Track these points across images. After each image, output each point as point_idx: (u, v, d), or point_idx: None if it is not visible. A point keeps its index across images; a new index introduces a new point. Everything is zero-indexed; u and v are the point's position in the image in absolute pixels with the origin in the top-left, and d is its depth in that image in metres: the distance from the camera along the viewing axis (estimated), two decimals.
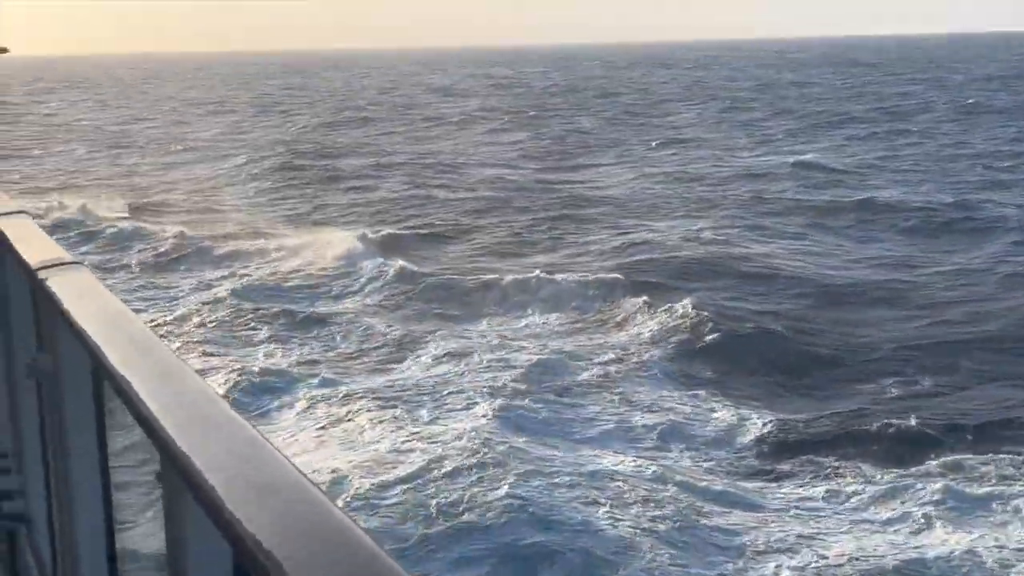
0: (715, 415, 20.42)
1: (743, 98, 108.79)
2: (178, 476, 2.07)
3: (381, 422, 19.40)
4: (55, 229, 36.67)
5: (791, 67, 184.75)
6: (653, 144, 66.78)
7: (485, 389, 21.10)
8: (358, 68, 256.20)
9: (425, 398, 20.93)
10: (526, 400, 20.63)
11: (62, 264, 3.95)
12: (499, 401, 20.29)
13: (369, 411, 20.03)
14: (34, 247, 4.39)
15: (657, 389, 21.94)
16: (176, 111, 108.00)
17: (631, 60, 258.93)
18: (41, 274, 3.86)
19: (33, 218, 5.37)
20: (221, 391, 20.69)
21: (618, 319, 27.15)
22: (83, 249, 36.12)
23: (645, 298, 27.84)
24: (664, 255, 33.72)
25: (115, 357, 2.76)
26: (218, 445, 2.08)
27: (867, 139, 67.75)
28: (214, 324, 27.07)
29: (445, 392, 21.23)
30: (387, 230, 38.81)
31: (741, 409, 20.73)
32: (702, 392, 21.79)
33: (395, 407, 20.23)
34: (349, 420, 19.85)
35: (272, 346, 25.07)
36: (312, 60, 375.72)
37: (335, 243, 34.85)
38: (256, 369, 23.03)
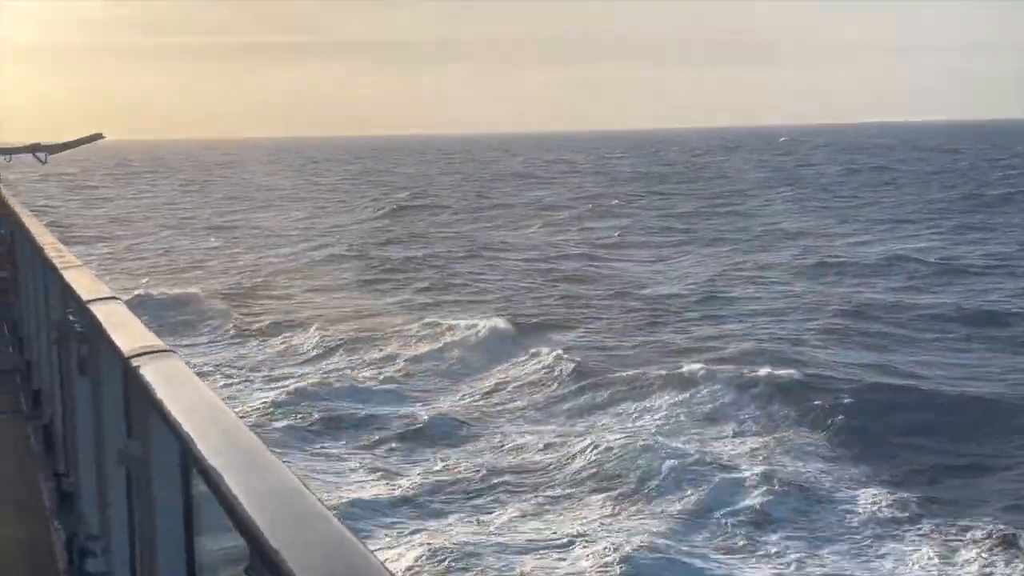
0: None
1: (833, 183, 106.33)
2: (267, 571, 2.06)
3: None
4: (147, 311, 36.93)
5: (866, 151, 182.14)
6: (758, 231, 65.21)
7: None
8: (430, 152, 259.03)
9: None
10: None
11: (154, 352, 3.98)
12: None
13: None
14: (127, 334, 4.43)
15: None
16: (256, 196, 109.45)
17: (707, 145, 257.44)
18: (134, 361, 3.90)
19: (126, 304, 5.47)
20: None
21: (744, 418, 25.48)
22: (184, 338, 35.68)
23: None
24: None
25: (205, 447, 2.77)
26: (307, 541, 2.07)
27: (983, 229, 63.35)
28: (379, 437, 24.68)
29: None
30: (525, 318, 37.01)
31: None
32: None
33: None
34: None
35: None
36: (379, 145, 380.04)
37: (479, 329, 33.55)
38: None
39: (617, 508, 19.94)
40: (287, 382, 28.99)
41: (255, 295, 44.02)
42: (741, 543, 18.35)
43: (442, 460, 22.67)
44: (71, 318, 5.96)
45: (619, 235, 65.03)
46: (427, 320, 35.98)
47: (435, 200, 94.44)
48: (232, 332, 36.65)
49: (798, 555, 17.80)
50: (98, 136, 21.95)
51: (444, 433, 24.57)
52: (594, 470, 21.61)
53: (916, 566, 17.59)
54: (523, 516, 19.58)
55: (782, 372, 27.84)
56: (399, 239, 63.85)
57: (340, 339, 34.10)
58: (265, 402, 26.87)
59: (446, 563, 17.04)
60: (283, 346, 34.27)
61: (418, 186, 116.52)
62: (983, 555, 17.86)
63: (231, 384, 29.44)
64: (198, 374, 3.69)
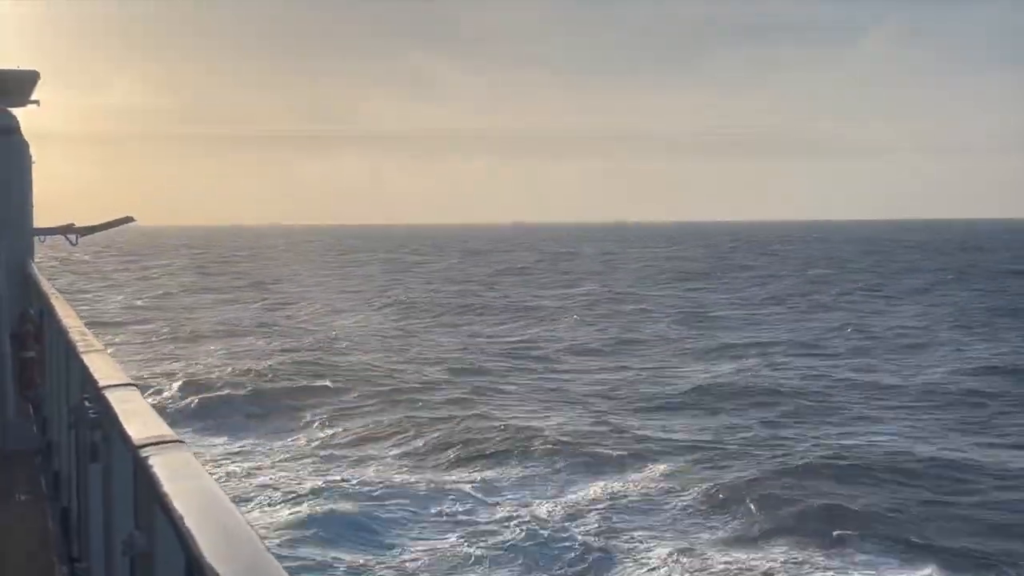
0: None
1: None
2: None
3: None
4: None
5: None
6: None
7: None
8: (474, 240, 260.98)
9: None
10: None
11: (164, 442, 3.98)
12: None
13: None
14: (139, 422, 4.43)
15: None
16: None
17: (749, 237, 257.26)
18: (143, 451, 3.90)
19: (142, 391, 5.46)
20: None
21: None
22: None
23: None
24: None
25: (207, 546, 2.74)
26: None
27: None
28: None
29: None
30: None
31: None
32: None
33: None
34: None
35: None
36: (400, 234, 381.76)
37: None
38: None
39: None
40: None
41: None
42: None
43: None
44: (87, 403, 5.95)
45: None
46: None
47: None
48: None
49: None
50: (129, 219, 21.86)
51: None
52: None
53: None
54: None
55: None
56: None
57: None
58: None
59: None
60: None
61: None
62: None
63: None
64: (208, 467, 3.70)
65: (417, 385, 40.27)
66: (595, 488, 26.29)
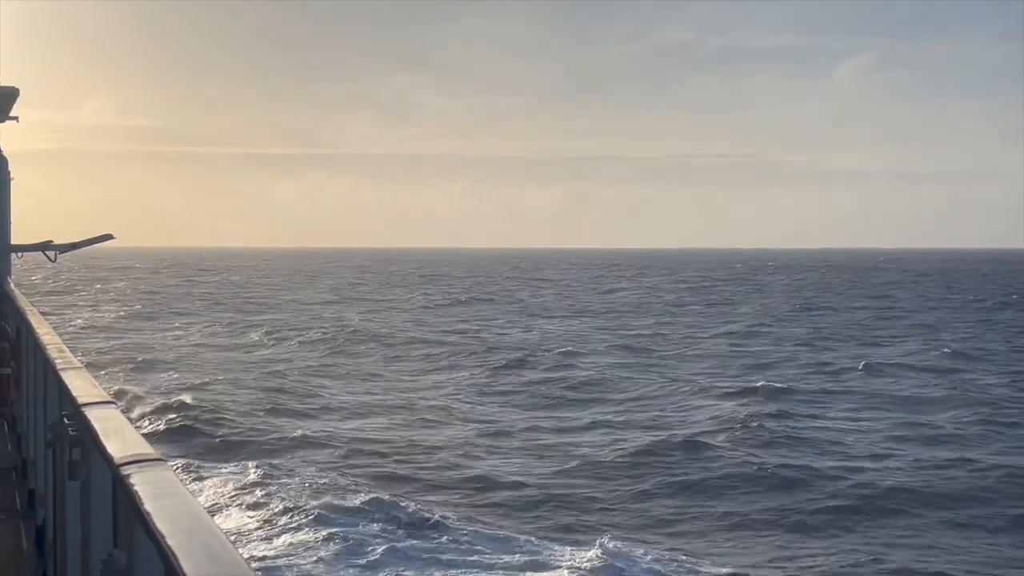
0: None
1: None
2: None
3: None
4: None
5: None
6: None
7: None
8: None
9: None
10: None
11: (145, 460, 3.95)
12: None
13: None
14: (119, 440, 4.38)
15: None
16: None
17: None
18: (123, 469, 3.86)
19: (121, 409, 5.40)
20: None
21: None
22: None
23: None
24: None
25: (189, 565, 2.71)
26: None
27: None
28: None
29: None
30: None
31: None
32: None
33: None
34: None
35: None
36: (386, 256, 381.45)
37: None
38: None
39: None
40: None
41: None
42: None
43: None
44: (66, 420, 5.84)
45: None
46: None
47: None
48: None
49: None
50: (108, 236, 21.54)
51: None
52: None
53: None
54: None
55: None
56: None
57: None
58: None
59: None
60: None
61: None
62: None
63: None
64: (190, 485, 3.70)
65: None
66: None
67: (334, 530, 22.77)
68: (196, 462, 29.31)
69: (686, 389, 41.47)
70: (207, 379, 44.41)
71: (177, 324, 72.81)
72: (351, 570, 20.79)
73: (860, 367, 48.46)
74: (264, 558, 21.38)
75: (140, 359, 51.59)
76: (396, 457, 30.07)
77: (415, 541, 22.40)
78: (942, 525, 24.07)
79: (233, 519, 23.96)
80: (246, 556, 3.25)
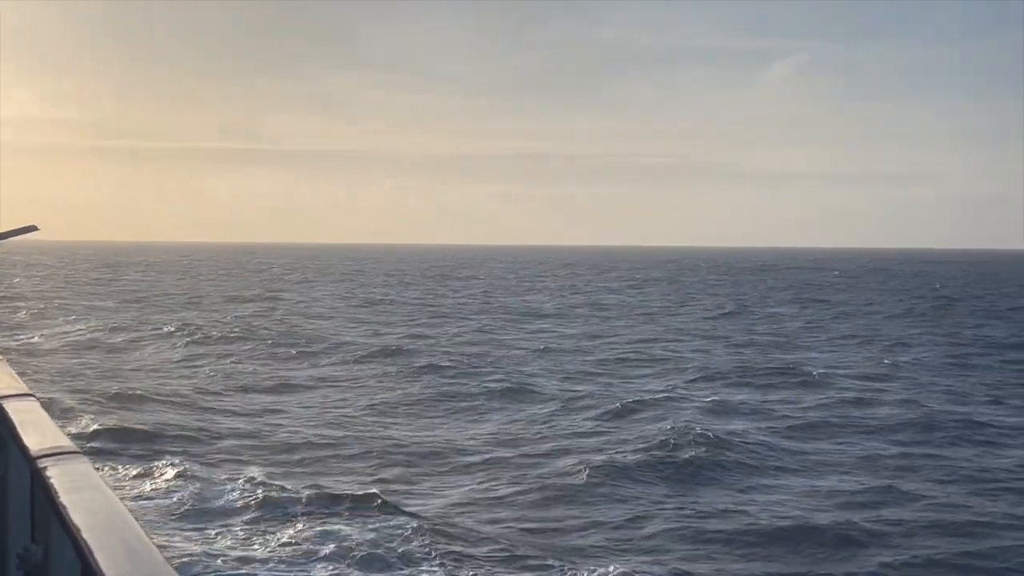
0: None
1: None
2: None
3: None
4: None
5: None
6: None
7: None
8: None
9: None
10: None
11: (61, 453, 4.08)
12: None
13: None
14: (37, 433, 4.52)
15: None
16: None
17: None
18: (41, 462, 3.99)
19: (40, 401, 5.48)
20: None
21: None
22: None
23: None
24: None
25: (104, 558, 2.77)
26: None
27: None
28: None
29: None
30: None
31: None
32: None
33: None
34: None
35: None
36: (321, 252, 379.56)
37: None
38: None
39: None
40: None
41: None
42: None
43: None
44: None
45: None
46: None
47: None
48: None
49: None
50: (33, 228, 19.64)
51: None
52: None
53: None
54: None
55: None
56: None
57: None
58: None
59: None
60: None
61: None
62: None
63: None
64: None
65: None
66: None
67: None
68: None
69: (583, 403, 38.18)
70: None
71: (63, 322, 67.74)
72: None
73: (815, 373, 45.50)
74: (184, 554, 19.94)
75: None
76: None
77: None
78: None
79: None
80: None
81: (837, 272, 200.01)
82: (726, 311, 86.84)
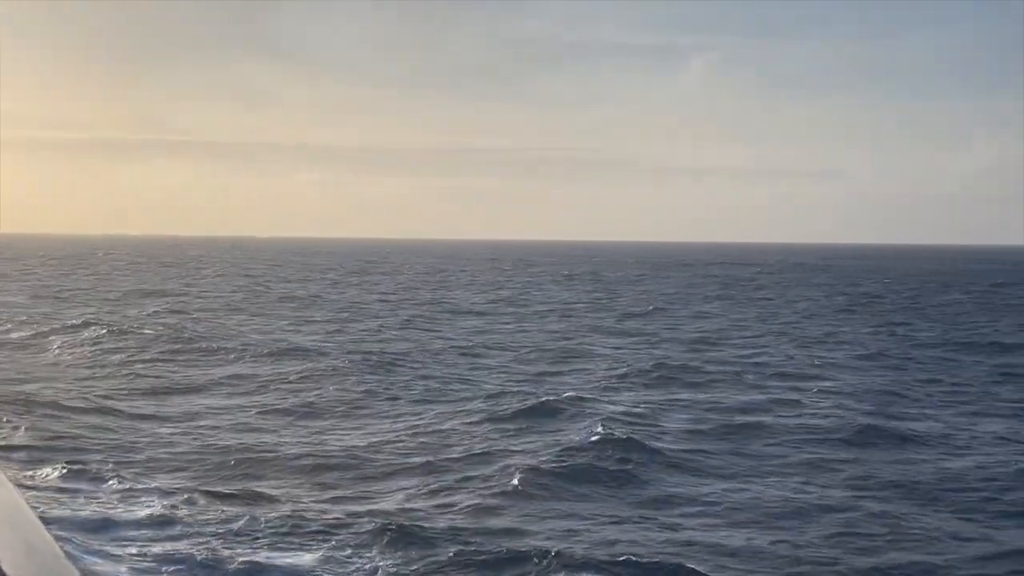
0: None
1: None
2: None
3: None
4: None
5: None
6: None
7: None
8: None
9: None
10: None
11: None
12: None
13: None
14: None
15: None
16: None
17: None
18: None
19: None
20: None
21: None
22: None
23: None
24: None
25: (7, 557, 2.69)
26: None
27: None
28: None
29: None
30: None
31: None
32: None
33: None
34: None
35: None
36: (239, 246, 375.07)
37: None
38: None
39: None
40: None
41: None
42: None
43: None
44: None
45: None
46: None
47: None
48: None
49: None
50: None
51: None
52: None
53: None
54: None
55: None
56: None
57: None
58: None
59: None
60: None
61: None
62: None
63: None
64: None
65: None
66: None
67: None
68: None
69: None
70: None
71: None
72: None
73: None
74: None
75: None
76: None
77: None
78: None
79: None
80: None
81: (758, 268, 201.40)
82: (650, 308, 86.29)
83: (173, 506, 22.56)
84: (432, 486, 25.38)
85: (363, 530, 21.14)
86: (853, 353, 53.52)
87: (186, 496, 23.40)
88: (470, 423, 33.06)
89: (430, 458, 28.23)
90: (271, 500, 23.63)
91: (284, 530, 21.29)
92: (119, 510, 22.32)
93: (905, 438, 31.07)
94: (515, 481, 25.15)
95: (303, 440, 31.02)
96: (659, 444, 29.61)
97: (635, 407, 35.63)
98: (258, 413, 35.26)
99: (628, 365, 46.79)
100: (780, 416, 34.50)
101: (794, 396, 38.55)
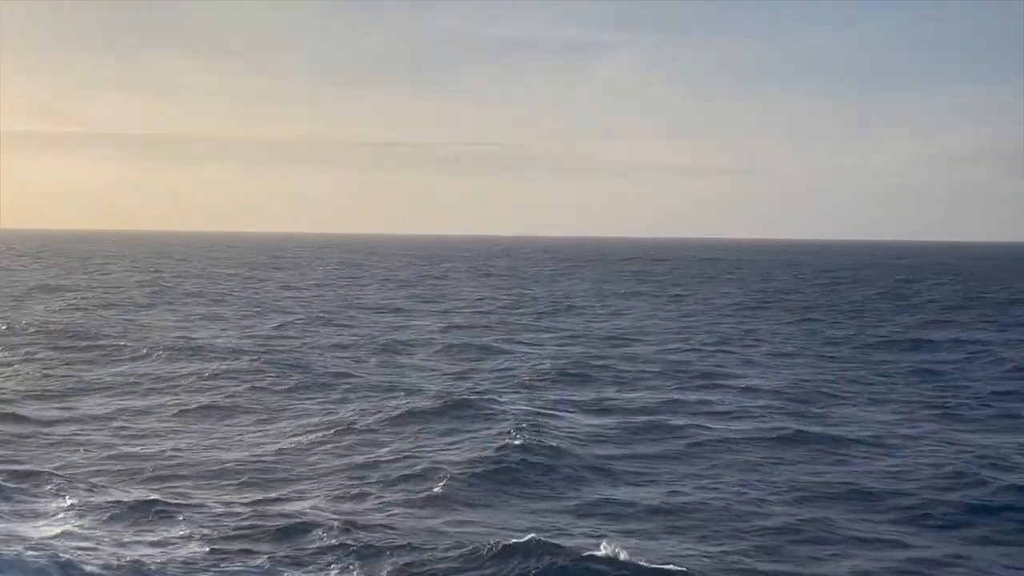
0: None
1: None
2: None
3: None
4: None
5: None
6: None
7: None
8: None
9: None
10: None
11: None
12: None
13: None
14: None
15: None
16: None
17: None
18: None
19: None
20: None
21: None
22: None
23: None
24: None
25: None
26: None
27: None
28: None
29: None
30: None
31: None
32: None
33: None
34: None
35: None
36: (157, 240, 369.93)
37: None
38: None
39: None
40: None
41: None
42: None
43: None
44: None
45: None
46: None
47: None
48: None
49: None
50: None
51: None
52: None
53: None
54: None
55: None
56: None
57: None
58: None
59: None
60: None
61: None
62: None
63: None
64: None
65: None
66: None
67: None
68: None
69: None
70: None
71: None
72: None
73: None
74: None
75: None
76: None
77: None
78: None
79: None
80: None
81: (672, 262, 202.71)
82: (566, 304, 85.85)
83: (86, 515, 21.71)
84: (355, 487, 24.84)
85: (295, 533, 20.62)
86: (772, 350, 53.50)
87: (101, 504, 22.45)
88: (388, 420, 32.44)
89: (354, 458, 27.71)
90: (193, 506, 22.79)
91: (209, 535, 20.56)
92: (27, 525, 21.24)
93: (835, 439, 30.77)
94: (438, 483, 24.78)
95: (222, 441, 30.17)
96: (577, 445, 29.18)
97: (552, 407, 35.15)
98: (174, 415, 34.26)
99: (547, 361, 46.32)
100: (703, 416, 34.12)
101: (717, 396, 38.18)
